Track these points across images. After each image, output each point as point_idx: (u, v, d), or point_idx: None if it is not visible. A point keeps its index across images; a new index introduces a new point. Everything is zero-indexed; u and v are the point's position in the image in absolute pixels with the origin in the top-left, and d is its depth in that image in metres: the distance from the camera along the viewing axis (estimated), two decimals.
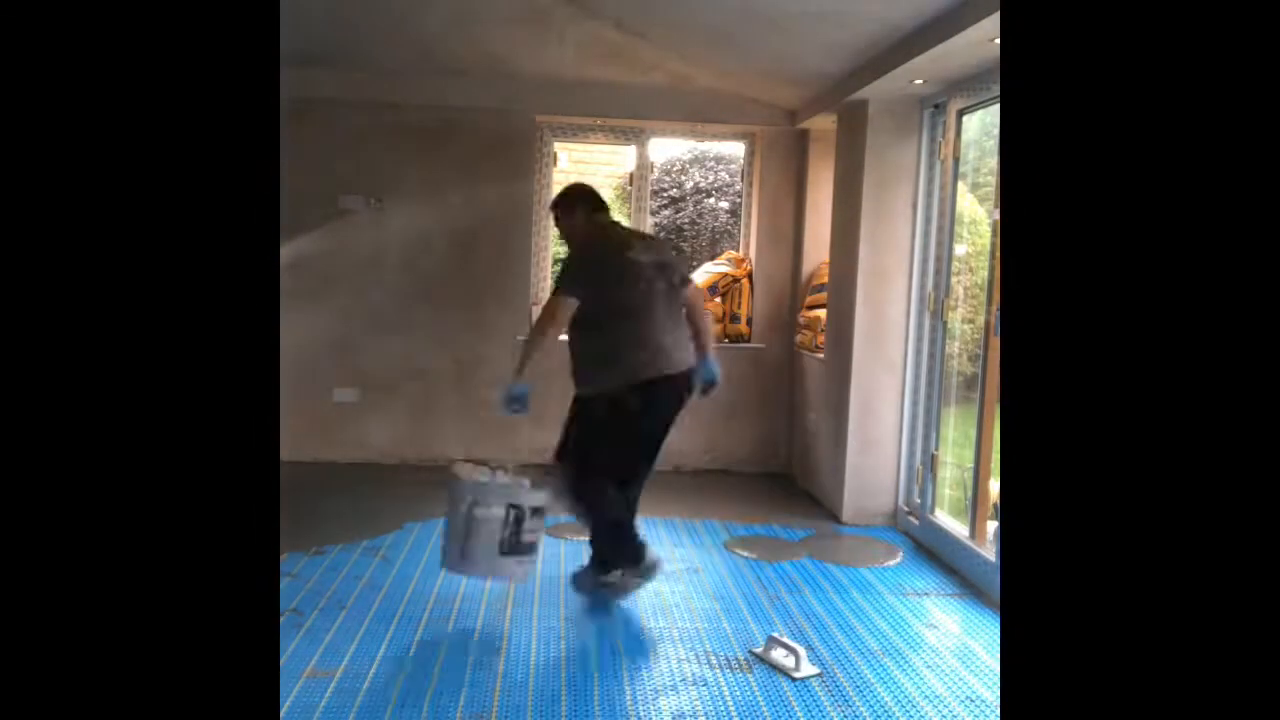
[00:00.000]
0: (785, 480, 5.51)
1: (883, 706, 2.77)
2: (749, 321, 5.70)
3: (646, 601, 3.53)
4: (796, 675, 2.91)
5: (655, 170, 7.48)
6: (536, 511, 3.23)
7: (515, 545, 3.19)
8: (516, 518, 3.16)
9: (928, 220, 4.40)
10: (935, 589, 3.77)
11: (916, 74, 3.90)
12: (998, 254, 3.73)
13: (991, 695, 2.85)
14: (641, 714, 2.68)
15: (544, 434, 5.57)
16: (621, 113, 5.43)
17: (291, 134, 5.15)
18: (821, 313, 5.11)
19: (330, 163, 5.35)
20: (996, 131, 3.85)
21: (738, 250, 6.02)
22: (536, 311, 5.61)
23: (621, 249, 3.36)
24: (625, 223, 7.07)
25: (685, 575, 3.85)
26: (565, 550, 4.12)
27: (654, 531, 4.44)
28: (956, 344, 4.53)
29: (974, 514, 3.94)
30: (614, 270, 3.30)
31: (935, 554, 4.15)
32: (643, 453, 3.46)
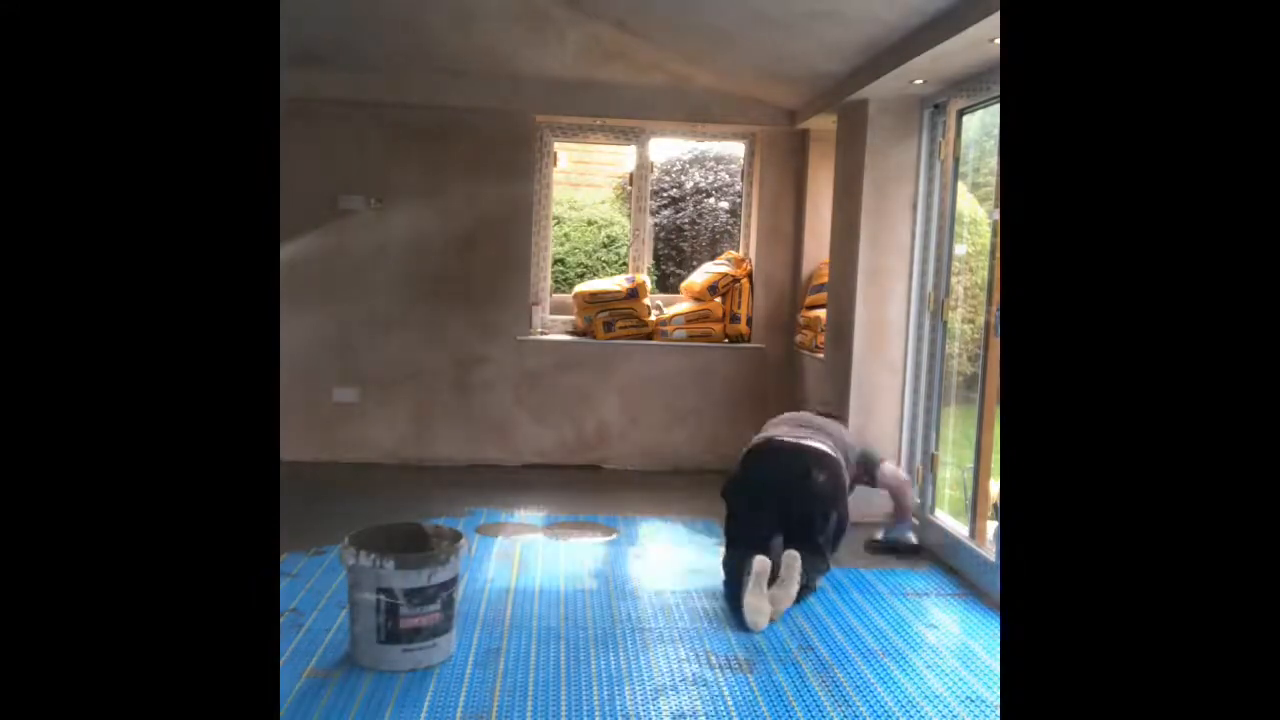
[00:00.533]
0: None
1: (883, 706, 2.77)
2: (749, 321, 5.70)
3: (647, 601, 3.54)
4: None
5: (655, 170, 7.48)
6: (415, 594, 2.86)
7: (395, 633, 2.85)
8: (388, 605, 2.83)
9: (928, 220, 4.40)
10: (935, 589, 3.77)
11: (916, 74, 3.90)
12: (998, 254, 3.73)
13: (991, 695, 2.85)
14: (641, 714, 2.68)
15: (544, 434, 5.60)
16: (621, 113, 5.43)
17: (291, 134, 5.15)
18: (821, 313, 5.11)
19: (330, 163, 5.35)
20: (996, 131, 3.85)
21: (738, 250, 6.02)
22: (536, 312, 5.62)
23: None
24: (625, 223, 7.12)
25: (685, 575, 3.85)
26: (563, 550, 4.12)
27: (654, 531, 4.44)
28: (956, 344, 4.53)
29: (974, 514, 3.94)
30: None
31: (935, 554, 4.15)
32: None
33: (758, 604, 3.31)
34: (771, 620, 3.33)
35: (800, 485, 3.63)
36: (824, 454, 3.74)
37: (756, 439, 3.95)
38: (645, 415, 5.63)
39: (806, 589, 3.54)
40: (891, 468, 4.09)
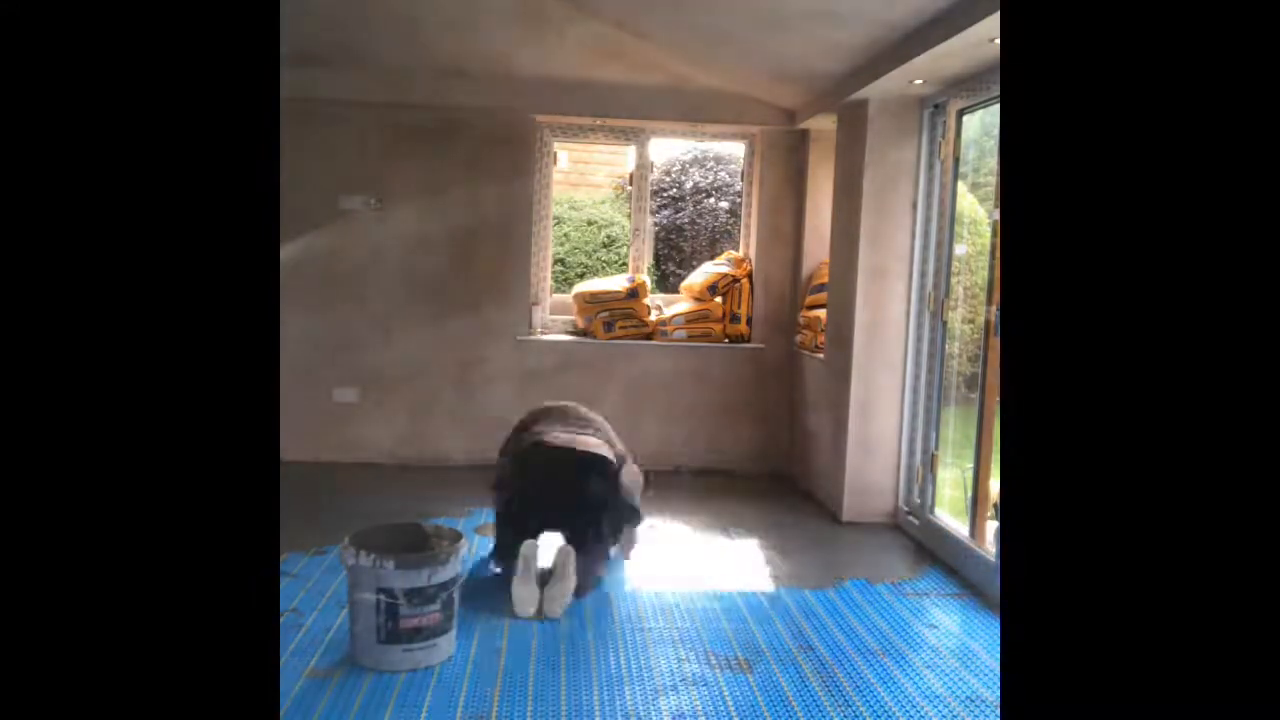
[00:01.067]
0: (785, 480, 5.51)
1: (883, 706, 2.77)
2: (749, 321, 5.70)
3: (646, 601, 3.53)
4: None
5: (655, 170, 7.48)
6: (415, 593, 2.86)
7: (395, 633, 2.85)
8: (388, 605, 2.82)
9: (928, 220, 4.40)
10: (935, 589, 3.77)
11: (916, 74, 3.90)
12: (998, 254, 3.73)
13: (991, 695, 2.85)
14: (641, 714, 2.68)
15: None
16: (621, 113, 5.43)
17: (291, 134, 5.15)
18: (821, 313, 5.11)
19: (330, 163, 5.35)
20: (996, 131, 3.85)
21: (738, 250, 6.02)
22: (536, 312, 5.62)
23: None
24: (625, 223, 7.06)
25: (686, 575, 3.85)
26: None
27: (654, 531, 4.44)
28: (956, 344, 4.53)
29: (974, 514, 3.94)
30: None
31: (935, 554, 4.15)
32: None
33: (525, 593, 3.34)
34: (550, 616, 3.32)
35: (577, 492, 3.63)
36: (598, 456, 3.71)
37: (530, 438, 3.82)
38: (645, 415, 5.63)
39: (585, 586, 3.53)
40: (633, 471, 3.91)
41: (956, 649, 3.20)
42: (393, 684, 2.79)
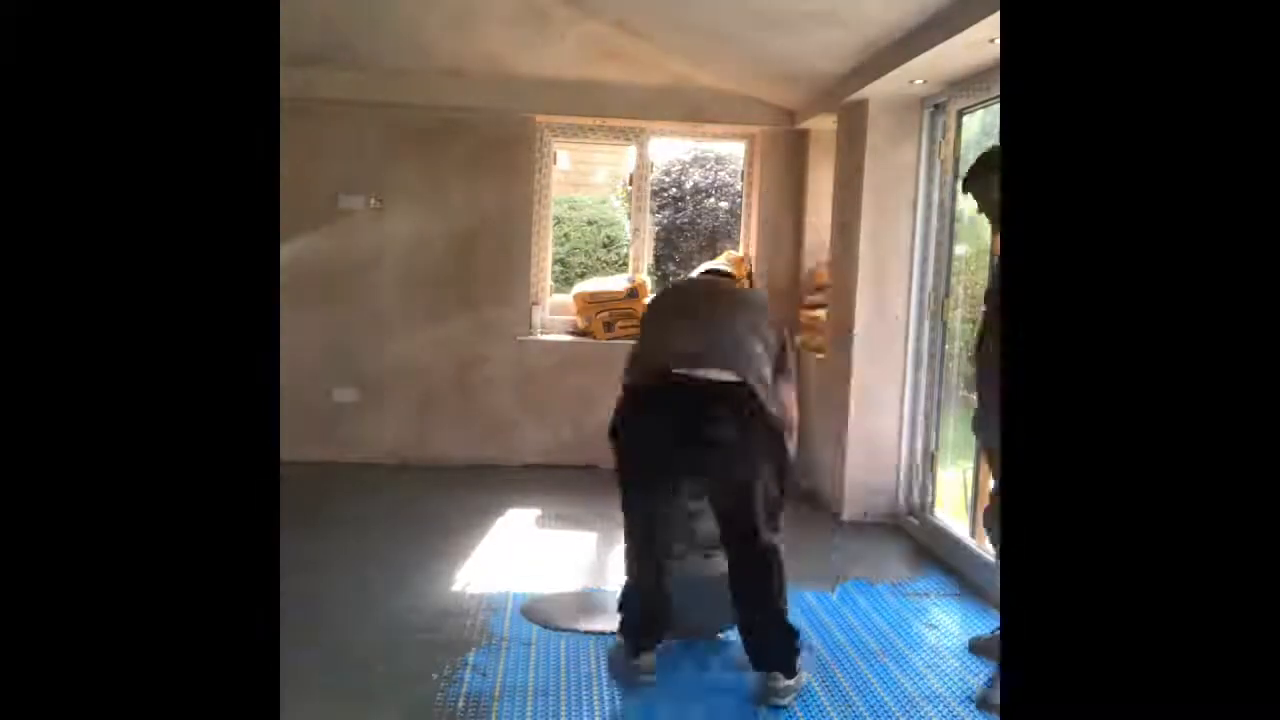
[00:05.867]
0: None
1: (883, 706, 2.77)
2: None
3: None
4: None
5: (655, 170, 7.48)
6: None
7: None
8: None
9: (928, 220, 4.40)
10: (935, 589, 3.77)
11: (916, 74, 3.90)
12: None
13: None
14: (641, 713, 2.68)
15: (544, 434, 5.59)
16: (621, 113, 5.43)
17: (291, 134, 5.13)
18: (821, 313, 5.11)
19: (330, 163, 5.34)
20: (996, 131, 3.84)
21: (738, 250, 6.02)
22: (536, 312, 5.61)
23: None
24: (625, 223, 7.01)
25: None
26: (563, 550, 4.12)
27: None
28: (956, 344, 4.53)
29: (974, 514, 3.94)
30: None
31: (935, 554, 4.15)
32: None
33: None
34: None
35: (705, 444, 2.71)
36: (730, 385, 2.70)
37: (649, 358, 2.98)
38: None
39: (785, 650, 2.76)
40: (791, 395, 3.12)
41: (956, 649, 3.20)
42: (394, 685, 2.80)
